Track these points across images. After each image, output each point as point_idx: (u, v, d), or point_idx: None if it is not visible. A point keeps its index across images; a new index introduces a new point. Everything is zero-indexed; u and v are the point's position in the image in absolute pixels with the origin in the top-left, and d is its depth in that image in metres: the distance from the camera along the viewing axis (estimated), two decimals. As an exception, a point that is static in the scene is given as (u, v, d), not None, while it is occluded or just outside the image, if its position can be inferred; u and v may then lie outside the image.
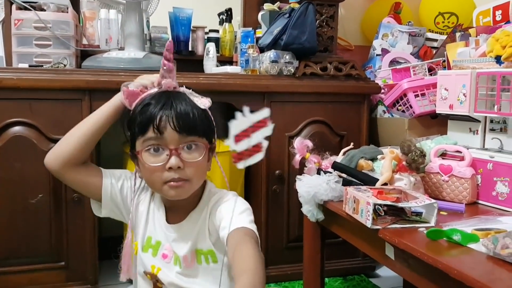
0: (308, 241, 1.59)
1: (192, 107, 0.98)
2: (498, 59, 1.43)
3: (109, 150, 2.12)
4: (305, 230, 1.60)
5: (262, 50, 1.98)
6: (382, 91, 2.02)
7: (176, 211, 1.07)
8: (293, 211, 1.90)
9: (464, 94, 1.46)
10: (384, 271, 2.09)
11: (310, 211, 1.44)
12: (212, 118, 1.03)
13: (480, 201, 1.38)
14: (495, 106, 1.37)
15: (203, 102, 1.01)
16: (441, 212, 1.26)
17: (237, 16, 2.32)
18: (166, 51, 1.01)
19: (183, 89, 1.03)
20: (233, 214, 0.93)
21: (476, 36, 1.83)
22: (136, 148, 1.00)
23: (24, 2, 1.78)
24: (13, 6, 1.78)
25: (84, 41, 2.07)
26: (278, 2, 2.15)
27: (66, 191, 1.67)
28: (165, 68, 1.01)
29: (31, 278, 1.66)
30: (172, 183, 0.96)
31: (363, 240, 1.29)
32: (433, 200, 1.14)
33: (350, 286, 1.96)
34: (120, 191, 1.09)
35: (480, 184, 1.38)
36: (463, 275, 0.85)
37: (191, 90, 1.04)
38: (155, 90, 1.02)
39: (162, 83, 1.01)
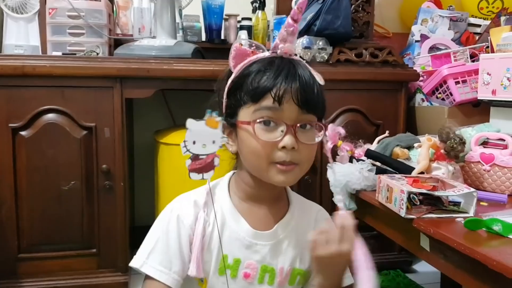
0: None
1: (314, 81, 0.84)
2: (546, 41, 1.34)
3: (142, 140, 2.13)
4: (337, 221, 1.55)
5: (295, 37, 1.93)
6: (421, 78, 1.93)
7: (258, 215, 0.91)
8: (326, 202, 1.83)
9: (508, 79, 1.37)
10: (421, 267, 2.01)
11: (341, 201, 1.39)
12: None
13: (525, 192, 1.29)
14: (543, 91, 1.28)
15: (320, 77, 0.86)
16: (481, 203, 1.19)
17: (271, 4, 2.27)
18: (297, 8, 0.82)
19: (299, 58, 0.87)
20: None
21: (523, 20, 1.73)
22: (238, 117, 0.85)
23: (58, -9, 1.80)
24: (48, -4, 1.81)
25: (118, 31, 2.08)
26: (312, -12, 2.09)
27: (98, 178, 1.68)
28: (289, 29, 0.83)
29: (63, 264, 1.68)
30: (280, 166, 0.82)
31: (397, 231, 1.23)
32: (472, 189, 1.07)
33: (385, 280, 1.89)
34: (179, 251, 0.88)
35: (525, 174, 1.29)
36: (503, 266, 0.79)
37: (305, 61, 0.89)
38: (266, 53, 0.86)
39: (280, 46, 0.84)
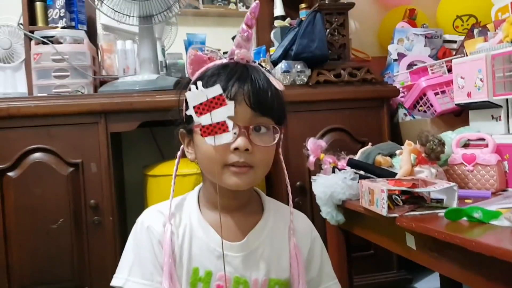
0: (332, 249, 1.52)
1: (269, 84, 0.85)
2: (514, 42, 1.37)
3: (132, 175, 2.14)
4: (329, 238, 1.54)
5: (275, 64, 1.98)
6: (402, 94, 1.97)
7: (228, 225, 0.90)
8: (318, 222, 1.79)
9: (481, 80, 1.39)
10: (422, 284, 1.96)
11: (329, 213, 1.39)
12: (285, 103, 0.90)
13: (510, 189, 1.29)
14: (515, 87, 1.30)
15: (278, 83, 0.88)
16: (465, 200, 1.18)
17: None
18: (249, 14, 0.84)
19: (257, 64, 0.89)
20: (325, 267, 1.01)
21: (495, 31, 1.77)
22: (194, 122, 0.82)
23: (42, 37, 1.86)
24: (32, 42, 1.88)
25: (103, 73, 2.13)
26: (288, 18, 2.16)
27: (86, 215, 1.67)
28: (244, 35, 0.85)
29: (56, 304, 1.65)
30: (234, 168, 0.81)
31: (384, 236, 1.22)
32: (452, 183, 1.07)
33: (386, 300, 1.85)
34: (156, 260, 0.89)
35: (508, 171, 1.29)
36: (482, 244, 0.78)
37: (264, 68, 0.90)
38: (224, 60, 0.88)
39: (236, 52, 0.86)
